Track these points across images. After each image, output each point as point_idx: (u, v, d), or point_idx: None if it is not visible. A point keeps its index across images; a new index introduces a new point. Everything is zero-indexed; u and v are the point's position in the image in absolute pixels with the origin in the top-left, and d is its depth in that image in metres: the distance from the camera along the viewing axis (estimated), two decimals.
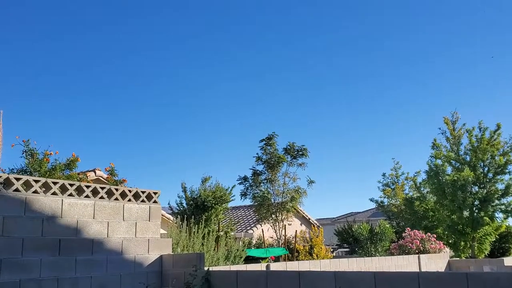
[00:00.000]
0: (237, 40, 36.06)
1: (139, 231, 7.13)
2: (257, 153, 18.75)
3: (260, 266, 9.58)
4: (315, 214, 32.64)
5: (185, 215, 13.74)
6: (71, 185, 6.43)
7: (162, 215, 16.11)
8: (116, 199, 6.94)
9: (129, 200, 7.11)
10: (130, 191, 7.14)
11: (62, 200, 6.27)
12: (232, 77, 37.98)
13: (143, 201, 7.30)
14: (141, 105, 37.66)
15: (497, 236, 25.37)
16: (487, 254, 25.23)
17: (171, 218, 12.90)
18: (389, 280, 5.26)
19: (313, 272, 5.93)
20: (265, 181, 18.13)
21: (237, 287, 6.43)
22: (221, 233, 13.06)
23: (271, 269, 8.77)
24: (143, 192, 7.32)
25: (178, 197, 15.18)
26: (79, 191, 6.57)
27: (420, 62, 38.98)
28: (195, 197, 14.63)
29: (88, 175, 12.31)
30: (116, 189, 6.97)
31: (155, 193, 7.49)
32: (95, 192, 6.73)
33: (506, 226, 25.78)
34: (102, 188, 6.80)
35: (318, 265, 10.94)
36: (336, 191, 58.42)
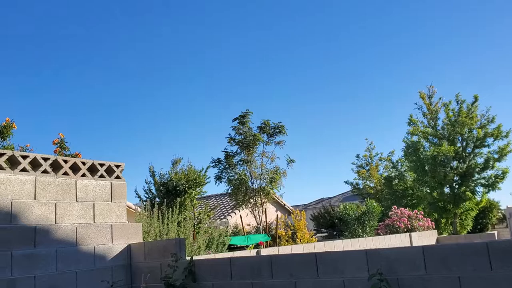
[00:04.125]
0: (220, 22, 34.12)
1: (98, 215, 5.50)
2: (229, 134, 17.23)
3: (250, 253, 8.11)
4: (286, 201, 31.43)
5: (155, 202, 12.10)
6: (0, 154, 4.73)
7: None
8: (66, 173, 5.27)
9: (83, 175, 5.47)
10: (84, 163, 5.49)
11: None
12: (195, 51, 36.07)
13: (102, 176, 5.67)
14: (102, 82, 35.03)
15: (477, 211, 24.88)
16: (469, 230, 24.71)
17: (137, 208, 11.18)
18: (443, 256, 3.88)
19: (334, 253, 4.50)
20: (241, 162, 16.61)
21: (231, 279, 4.93)
22: (198, 220, 11.48)
23: (263, 254, 7.30)
24: (101, 165, 5.67)
25: (146, 182, 13.46)
26: (13, 163, 4.88)
27: (392, 38, 38.24)
28: (165, 181, 12.94)
29: None
30: (65, 161, 5.30)
31: (117, 166, 5.86)
32: (35, 165, 5.05)
33: (486, 200, 25.32)
34: (45, 160, 5.12)
35: (312, 248, 9.57)
36: (305, 176, 57.49)
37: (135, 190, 13.39)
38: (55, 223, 5.02)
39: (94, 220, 5.42)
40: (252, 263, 4.87)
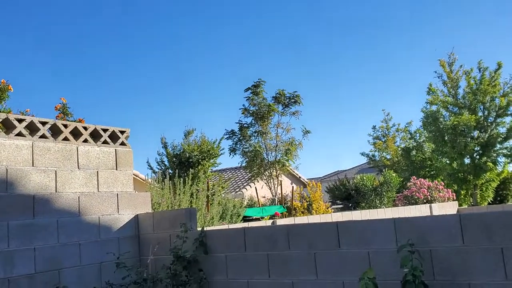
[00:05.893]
0: None
1: (103, 184, 5.15)
2: (243, 105, 16.74)
3: (265, 223, 7.77)
4: (301, 174, 31.06)
5: (168, 174, 11.81)
6: None
7: (134, 175, 14.10)
8: (66, 139, 4.90)
9: (85, 141, 5.09)
10: (86, 128, 5.11)
11: None
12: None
13: (105, 142, 5.29)
14: (113, 50, 34.48)
15: (498, 183, 24.24)
16: (490, 201, 24.13)
17: (147, 179, 10.77)
18: (484, 225, 3.43)
19: (358, 222, 4.09)
20: (255, 134, 16.18)
21: (245, 250, 4.56)
22: (212, 192, 11.14)
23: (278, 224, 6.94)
24: (104, 130, 5.29)
25: (158, 154, 13.15)
26: (8, 127, 4.51)
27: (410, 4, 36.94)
28: (178, 153, 12.62)
29: None
30: (65, 126, 4.92)
31: (122, 132, 5.47)
32: (33, 130, 4.68)
33: (508, 171, 24.61)
34: (43, 124, 4.74)
35: (330, 219, 9.19)
36: (320, 149, 56.95)
37: (147, 162, 13.11)
38: (56, 191, 4.68)
39: (98, 189, 5.08)
40: (267, 233, 4.48)
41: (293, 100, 16.36)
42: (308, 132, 16.39)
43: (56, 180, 4.69)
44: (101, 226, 5.01)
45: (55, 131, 4.87)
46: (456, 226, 3.54)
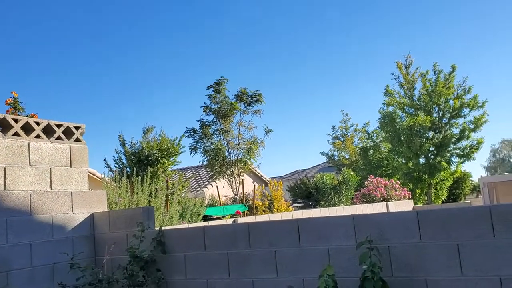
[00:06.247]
0: None
1: (56, 181, 4.93)
2: (204, 102, 16.59)
3: (226, 222, 7.70)
4: (263, 173, 31.13)
5: (125, 172, 11.52)
6: None
7: (91, 173, 13.62)
8: (17, 134, 4.66)
9: (38, 136, 4.86)
10: (38, 123, 4.88)
11: None
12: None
13: (59, 138, 5.07)
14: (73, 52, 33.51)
15: (451, 182, 25.11)
16: (444, 200, 24.97)
17: (104, 177, 10.36)
18: (441, 222, 3.50)
19: (318, 219, 4.08)
20: (217, 132, 16.06)
21: (204, 249, 4.48)
22: (172, 191, 10.94)
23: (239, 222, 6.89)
24: (58, 126, 5.07)
25: (116, 152, 12.78)
26: None
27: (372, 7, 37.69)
28: (137, 151, 12.32)
29: None
30: (16, 120, 4.68)
31: (77, 128, 5.26)
32: None
33: (461, 171, 25.53)
34: None
35: (290, 217, 9.20)
36: (281, 148, 57.42)
37: (105, 160, 12.73)
38: (5, 189, 4.44)
39: (51, 187, 4.86)
40: (227, 232, 4.42)
41: (255, 99, 16.35)
42: (270, 131, 16.45)
43: (5, 178, 4.45)
44: (54, 226, 4.80)
45: (4, 126, 4.63)
46: (413, 223, 3.60)
